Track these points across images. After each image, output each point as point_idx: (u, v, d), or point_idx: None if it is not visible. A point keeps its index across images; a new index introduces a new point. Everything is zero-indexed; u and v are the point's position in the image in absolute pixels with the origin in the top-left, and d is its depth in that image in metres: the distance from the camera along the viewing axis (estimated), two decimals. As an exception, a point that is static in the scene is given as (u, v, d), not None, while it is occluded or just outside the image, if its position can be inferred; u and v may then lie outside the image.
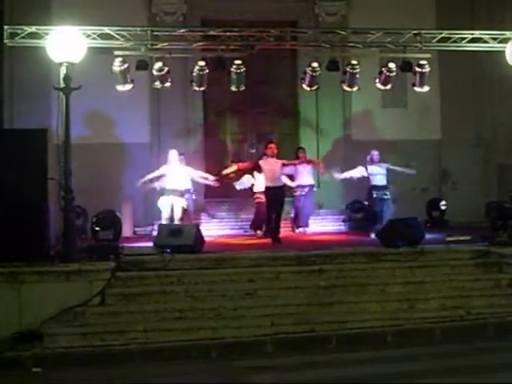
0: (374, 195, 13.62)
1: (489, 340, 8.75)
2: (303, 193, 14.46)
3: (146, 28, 12.72)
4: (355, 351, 8.28)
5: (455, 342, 8.60)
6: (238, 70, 13.12)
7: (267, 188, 12.75)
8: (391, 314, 9.17)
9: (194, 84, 13.42)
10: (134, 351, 8.17)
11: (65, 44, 9.76)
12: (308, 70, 13.41)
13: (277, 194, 12.62)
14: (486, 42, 12.87)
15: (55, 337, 8.33)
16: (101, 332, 8.44)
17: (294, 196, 14.52)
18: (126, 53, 12.49)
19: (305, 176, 14.49)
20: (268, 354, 8.29)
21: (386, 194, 13.68)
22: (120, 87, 12.86)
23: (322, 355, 8.20)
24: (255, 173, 13.89)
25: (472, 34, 12.90)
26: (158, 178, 13.03)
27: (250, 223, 14.49)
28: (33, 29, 11.88)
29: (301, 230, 14.49)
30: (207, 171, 14.25)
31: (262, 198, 13.35)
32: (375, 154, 13.74)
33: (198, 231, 10.81)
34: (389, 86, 13.74)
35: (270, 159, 12.78)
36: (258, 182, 13.82)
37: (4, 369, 7.73)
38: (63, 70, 9.84)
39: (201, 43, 12.99)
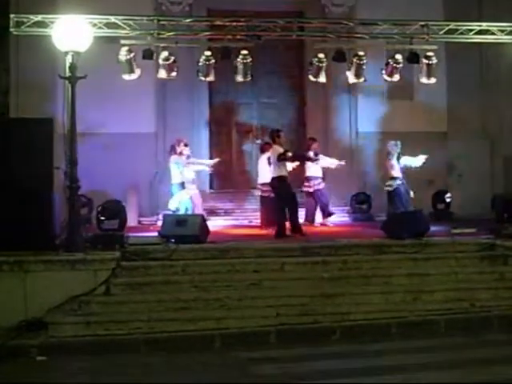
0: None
1: (493, 332, 8.74)
2: (310, 189, 14.22)
3: (152, 17, 12.71)
4: (359, 343, 8.28)
5: (459, 334, 8.60)
6: (245, 61, 13.08)
7: (282, 177, 12.15)
8: (395, 305, 9.17)
9: (200, 74, 13.37)
10: (138, 341, 8.19)
11: (71, 33, 9.72)
12: (314, 60, 13.38)
13: (289, 184, 12.22)
14: (493, 33, 12.82)
15: (60, 326, 8.36)
16: (105, 321, 8.46)
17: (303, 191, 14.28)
18: (132, 42, 12.49)
19: (312, 168, 14.22)
20: (272, 345, 8.30)
21: (389, 186, 13.52)
22: (126, 76, 12.85)
23: (326, 347, 8.20)
24: (261, 162, 13.64)
25: (479, 25, 12.84)
26: None
27: (260, 222, 13.87)
28: (39, 17, 11.86)
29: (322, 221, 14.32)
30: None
31: (267, 192, 13.18)
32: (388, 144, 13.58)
33: (203, 221, 10.82)
34: (395, 78, 13.70)
35: (278, 147, 12.36)
36: (263, 173, 13.56)
37: (9, 357, 7.77)
38: (69, 59, 9.83)
39: (207, 33, 12.96)
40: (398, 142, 13.42)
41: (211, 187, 16.42)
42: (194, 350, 8.08)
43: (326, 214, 14.35)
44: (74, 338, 8.18)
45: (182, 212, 12.83)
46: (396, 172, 13.36)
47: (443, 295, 9.45)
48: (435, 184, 16.41)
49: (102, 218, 12.13)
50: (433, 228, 11.37)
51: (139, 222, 14.78)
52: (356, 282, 9.63)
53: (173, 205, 12.96)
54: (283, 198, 12.10)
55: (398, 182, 13.36)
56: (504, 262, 10.30)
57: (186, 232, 10.42)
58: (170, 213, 12.60)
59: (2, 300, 8.71)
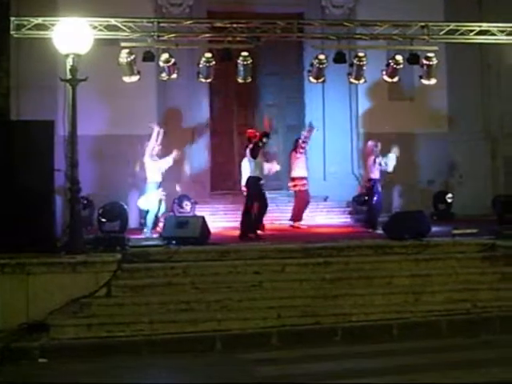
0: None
1: (495, 333, 8.73)
2: (294, 189, 14.01)
3: (152, 19, 12.71)
4: (360, 344, 8.28)
5: (461, 335, 8.59)
6: (245, 62, 13.08)
7: (259, 179, 12.31)
8: (397, 306, 9.17)
9: (200, 76, 13.37)
10: (140, 343, 8.19)
11: (71, 35, 9.74)
12: (315, 62, 13.37)
13: (260, 185, 12.33)
14: (493, 34, 12.81)
15: (62, 328, 8.36)
16: (107, 323, 8.46)
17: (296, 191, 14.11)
18: (133, 44, 12.47)
19: (297, 168, 13.97)
20: (273, 347, 8.30)
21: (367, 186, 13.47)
22: (127, 79, 12.84)
23: (327, 348, 8.20)
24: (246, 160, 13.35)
25: (480, 26, 12.83)
26: None
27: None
28: (39, 20, 11.87)
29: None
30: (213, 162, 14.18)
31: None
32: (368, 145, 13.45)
33: (204, 223, 10.81)
34: (396, 79, 13.69)
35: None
36: (246, 172, 12.99)
37: (11, 359, 7.78)
38: (70, 62, 9.85)
39: (207, 35, 12.96)
40: (378, 144, 13.28)
41: (212, 188, 16.41)
42: (196, 352, 8.08)
43: (300, 216, 14.11)
44: (76, 340, 8.18)
45: (153, 212, 12.57)
46: (373, 173, 13.27)
47: (445, 296, 9.45)
48: (436, 184, 16.42)
49: (103, 220, 12.13)
50: (434, 229, 11.37)
51: (140, 224, 14.77)
52: (358, 283, 9.63)
53: (143, 204, 12.73)
54: (255, 197, 12.24)
55: (375, 181, 13.26)
56: (505, 263, 10.27)
57: (187, 234, 10.43)
58: (171, 214, 12.56)
59: (4, 302, 8.72)
